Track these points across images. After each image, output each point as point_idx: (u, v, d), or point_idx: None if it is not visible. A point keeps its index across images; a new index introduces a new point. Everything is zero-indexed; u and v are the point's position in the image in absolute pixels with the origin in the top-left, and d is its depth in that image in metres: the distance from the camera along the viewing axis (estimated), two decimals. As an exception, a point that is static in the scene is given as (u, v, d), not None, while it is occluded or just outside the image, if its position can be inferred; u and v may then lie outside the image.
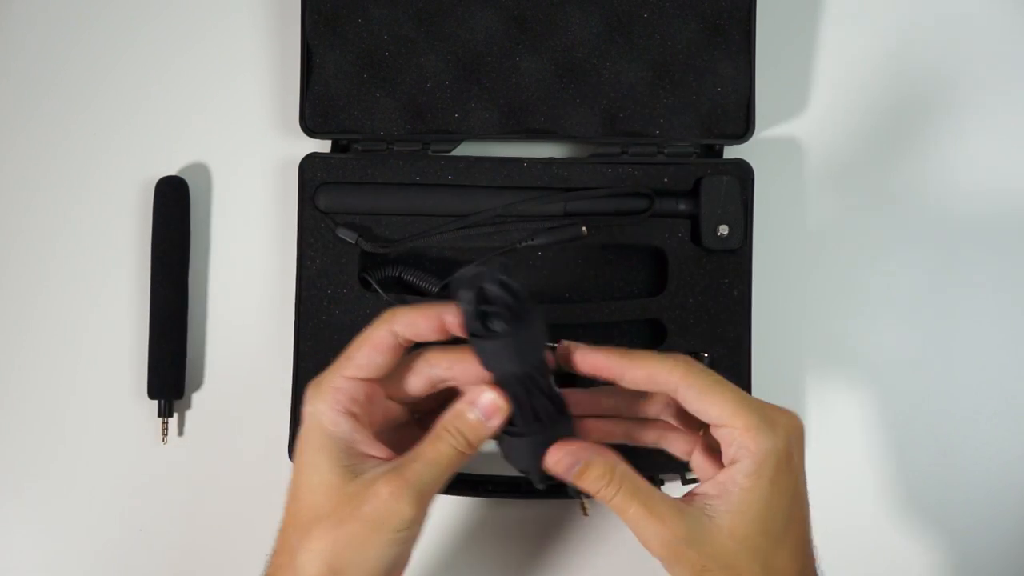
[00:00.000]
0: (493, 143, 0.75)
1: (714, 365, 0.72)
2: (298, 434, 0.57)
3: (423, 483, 0.55)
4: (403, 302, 0.72)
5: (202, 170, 0.77)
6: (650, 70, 0.73)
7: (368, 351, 0.57)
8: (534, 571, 0.75)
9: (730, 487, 0.56)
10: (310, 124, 0.73)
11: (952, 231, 0.76)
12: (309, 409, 0.57)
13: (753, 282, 0.73)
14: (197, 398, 0.76)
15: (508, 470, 0.72)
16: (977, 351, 0.75)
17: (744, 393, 0.57)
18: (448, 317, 0.57)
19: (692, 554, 0.55)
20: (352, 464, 0.56)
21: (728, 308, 0.72)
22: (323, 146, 0.74)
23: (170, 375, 0.74)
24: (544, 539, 0.74)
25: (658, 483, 0.72)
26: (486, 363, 0.55)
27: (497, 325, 0.53)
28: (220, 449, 0.75)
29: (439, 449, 0.56)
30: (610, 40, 0.73)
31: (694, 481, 0.72)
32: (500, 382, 0.56)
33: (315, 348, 0.72)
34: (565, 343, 0.59)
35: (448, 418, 0.56)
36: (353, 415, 0.57)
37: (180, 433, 0.76)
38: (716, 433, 0.57)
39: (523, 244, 0.72)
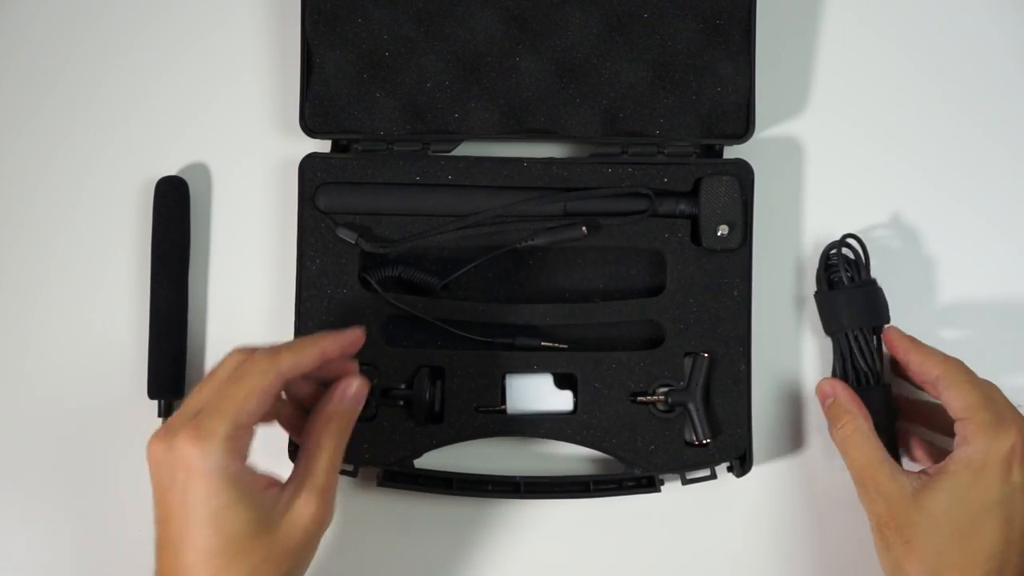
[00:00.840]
0: (493, 143, 0.75)
1: (714, 365, 0.72)
2: (193, 491, 0.55)
3: (332, 486, 0.59)
4: (402, 301, 0.72)
5: (202, 170, 0.77)
6: (650, 70, 0.73)
7: (260, 401, 0.57)
8: (535, 570, 0.75)
9: (942, 470, 0.62)
10: (310, 124, 0.73)
11: (948, 239, 0.76)
12: (208, 464, 0.55)
13: (753, 282, 0.73)
14: (197, 398, 0.76)
15: (509, 470, 0.73)
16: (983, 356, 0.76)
17: (997, 394, 0.64)
18: (327, 343, 0.61)
19: (882, 504, 0.63)
20: (261, 499, 0.57)
21: (728, 308, 0.72)
22: (323, 146, 0.74)
23: (170, 375, 0.74)
24: (545, 539, 0.74)
25: (658, 483, 0.72)
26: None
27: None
28: (220, 449, 0.75)
29: (332, 450, 0.60)
30: (610, 40, 0.73)
31: (694, 481, 0.72)
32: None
33: (315, 348, 0.72)
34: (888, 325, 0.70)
35: (333, 420, 0.61)
36: (241, 456, 0.57)
37: (180, 433, 0.75)
38: (956, 427, 0.64)
39: (523, 244, 0.72)
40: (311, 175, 0.73)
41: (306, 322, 0.72)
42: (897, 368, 0.72)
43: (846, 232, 0.73)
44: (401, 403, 0.72)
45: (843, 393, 0.68)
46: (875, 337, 0.72)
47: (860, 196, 0.77)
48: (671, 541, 0.74)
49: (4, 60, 0.77)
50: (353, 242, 0.72)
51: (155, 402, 0.74)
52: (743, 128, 0.73)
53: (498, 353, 0.72)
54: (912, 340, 0.69)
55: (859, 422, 0.67)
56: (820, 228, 0.76)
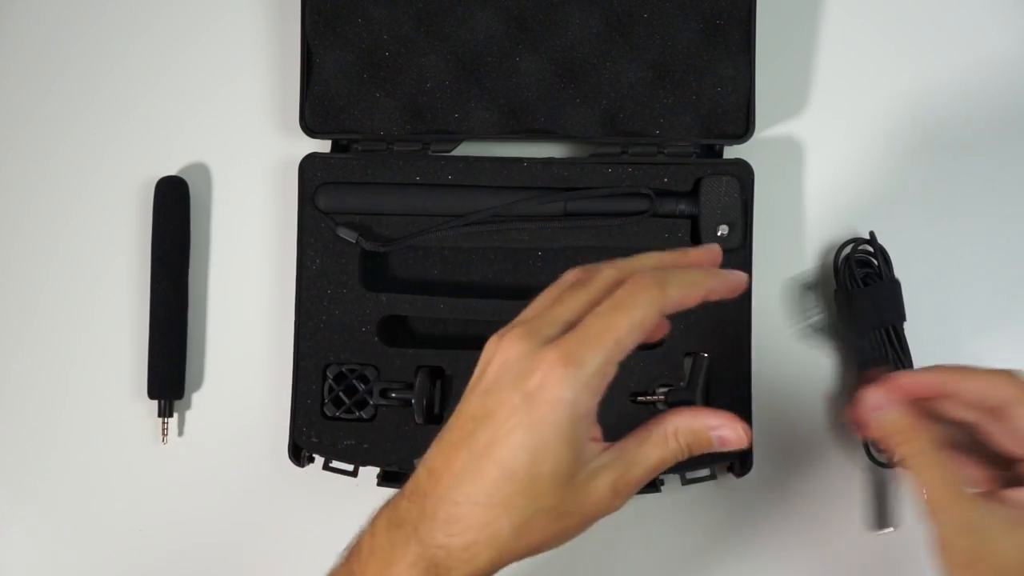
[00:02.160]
0: (493, 143, 0.75)
1: (714, 365, 0.72)
2: (536, 409, 0.49)
3: (638, 484, 0.53)
4: (402, 301, 0.72)
5: (202, 170, 0.77)
6: (650, 70, 0.73)
7: (639, 336, 0.51)
8: (535, 570, 0.75)
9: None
10: (310, 124, 0.73)
11: (954, 230, 0.76)
12: (567, 395, 0.49)
13: (753, 282, 0.73)
14: (197, 398, 0.76)
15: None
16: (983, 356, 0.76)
17: None
18: (714, 284, 0.54)
19: (967, 543, 0.53)
20: (583, 450, 0.51)
21: (728, 308, 0.72)
22: (323, 146, 0.74)
23: (170, 375, 0.74)
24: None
25: (658, 483, 0.72)
26: None
27: None
28: (220, 449, 0.75)
29: (663, 456, 0.53)
30: (610, 40, 0.73)
31: (694, 481, 0.72)
32: None
33: (315, 348, 0.72)
34: (889, 375, 0.59)
35: (684, 429, 0.53)
36: (600, 395, 0.51)
37: (180, 433, 0.75)
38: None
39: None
40: (311, 175, 0.73)
41: (306, 322, 0.72)
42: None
43: (867, 231, 0.74)
44: (401, 403, 0.71)
45: (892, 414, 0.57)
46: (897, 335, 0.72)
47: (860, 196, 0.77)
48: (671, 541, 0.74)
49: (4, 60, 0.77)
50: (353, 241, 0.72)
51: (155, 402, 0.74)
52: (743, 128, 0.73)
53: (498, 353, 0.72)
54: (958, 367, 0.59)
55: (915, 445, 0.56)
56: (820, 228, 0.76)
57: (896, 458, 0.58)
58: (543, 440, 0.49)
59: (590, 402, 0.50)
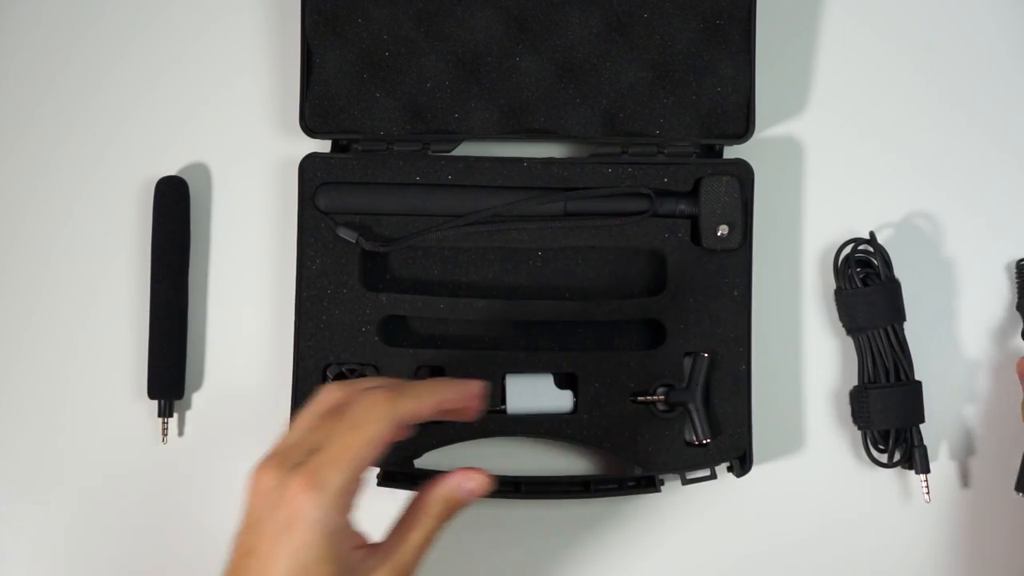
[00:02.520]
0: (493, 143, 0.75)
1: (714, 365, 0.72)
2: (292, 536, 0.53)
3: (415, 566, 0.57)
4: (402, 301, 0.72)
5: (202, 170, 0.77)
6: (650, 70, 0.73)
7: (376, 451, 0.55)
8: (535, 570, 0.75)
9: None
10: (310, 124, 0.73)
11: (953, 230, 0.77)
12: (317, 516, 0.53)
13: (753, 282, 0.73)
14: (197, 398, 0.76)
15: (509, 470, 0.73)
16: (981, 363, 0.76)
17: None
18: (449, 394, 0.59)
19: None
20: (348, 561, 0.54)
21: (728, 308, 0.72)
22: (323, 146, 0.74)
23: (170, 375, 0.74)
24: (545, 539, 0.74)
25: (658, 483, 0.72)
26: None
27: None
28: (220, 449, 0.75)
29: (426, 535, 0.57)
30: (610, 40, 0.73)
31: (694, 481, 0.72)
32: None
33: (315, 348, 0.72)
34: None
35: (433, 501, 0.58)
36: (349, 513, 0.55)
37: (180, 433, 0.75)
38: None
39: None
40: (311, 175, 0.73)
41: (306, 322, 0.72)
42: None
43: (867, 231, 0.74)
44: (401, 403, 0.72)
45: None
46: (897, 335, 0.72)
47: (860, 196, 0.77)
48: (671, 541, 0.74)
49: (4, 60, 0.77)
50: (353, 241, 0.72)
51: (155, 402, 0.74)
52: (743, 128, 0.73)
53: (498, 353, 0.72)
54: None
55: None
56: (820, 228, 0.76)
57: None
58: (305, 564, 0.52)
59: (340, 518, 0.54)
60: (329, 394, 0.59)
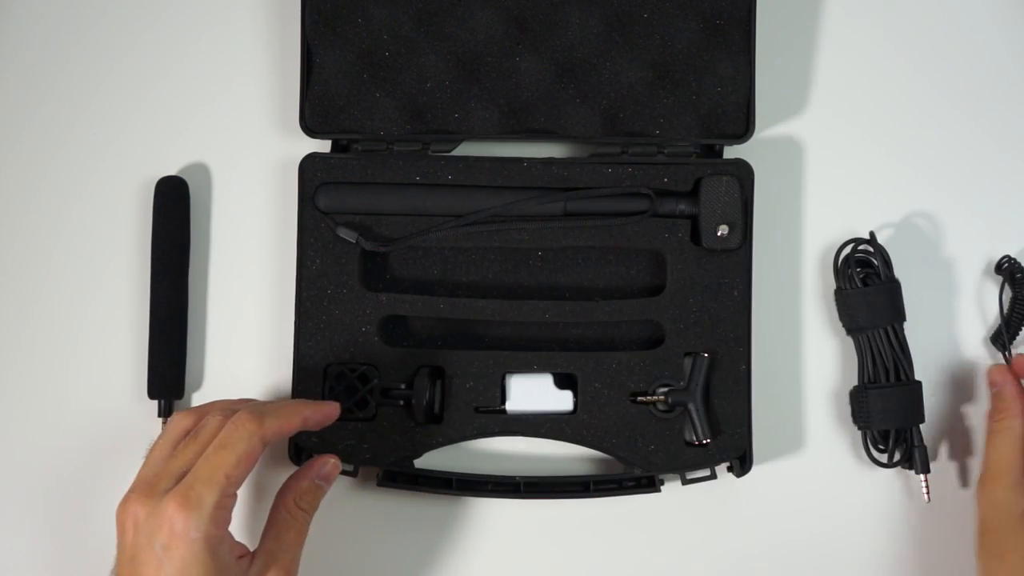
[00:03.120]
0: (493, 143, 0.75)
1: (714, 365, 0.72)
2: (175, 557, 0.56)
3: (295, 565, 0.62)
4: (402, 301, 0.72)
5: (202, 170, 0.77)
6: (650, 70, 0.73)
7: (246, 467, 0.59)
8: (535, 570, 0.75)
9: None
10: (310, 124, 0.73)
11: (953, 230, 0.77)
12: (196, 535, 0.56)
13: (753, 282, 0.73)
14: (197, 398, 0.76)
15: (509, 470, 0.73)
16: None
17: None
18: (309, 413, 0.64)
19: (990, 511, 0.64)
20: (232, 571, 0.58)
21: (728, 308, 0.72)
22: (323, 146, 0.74)
23: (170, 375, 0.74)
24: (545, 539, 0.74)
25: (658, 483, 0.72)
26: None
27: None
28: (220, 449, 0.75)
29: (300, 529, 0.62)
30: (610, 40, 0.73)
31: (694, 481, 0.72)
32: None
33: (315, 348, 0.72)
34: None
35: (297, 495, 0.63)
36: (225, 525, 0.58)
37: (180, 433, 0.75)
38: None
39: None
40: (311, 175, 0.73)
41: (306, 322, 0.72)
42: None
43: (867, 231, 0.74)
44: (401, 403, 0.72)
45: (1010, 389, 0.69)
46: (897, 335, 0.72)
47: (860, 196, 0.77)
48: (671, 541, 0.74)
49: (4, 60, 0.77)
50: (353, 241, 0.72)
51: (155, 402, 0.74)
52: (743, 128, 0.73)
53: (498, 353, 0.72)
54: None
55: (1012, 423, 0.67)
56: (820, 228, 0.76)
57: (988, 428, 0.69)
58: None
59: (219, 532, 0.57)
60: (177, 423, 0.63)
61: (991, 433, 0.68)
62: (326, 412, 0.67)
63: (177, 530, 0.56)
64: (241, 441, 0.59)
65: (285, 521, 0.63)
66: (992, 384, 0.71)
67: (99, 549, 0.74)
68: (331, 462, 0.66)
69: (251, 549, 0.63)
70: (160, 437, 0.64)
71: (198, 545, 0.56)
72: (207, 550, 0.56)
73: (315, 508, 0.65)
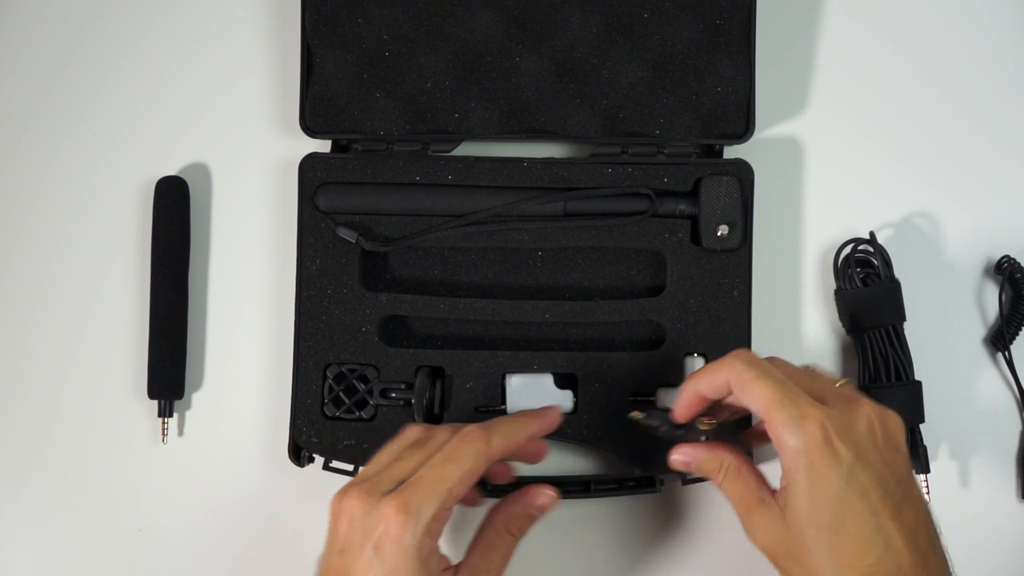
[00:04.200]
0: (493, 143, 0.75)
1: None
2: (386, 559, 0.56)
3: None
4: (402, 301, 0.72)
5: (202, 170, 0.77)
6: (650, 70, 0.73)
7: (469, 483, 0.58)
8: (535, 570, 0.75)
9: (784, 483, 0.59)
10: (310, 124, 0.73)
11: (953, 230, 0.77)
12: (411, 542, 0.56)
13: (753, 282, 0.73)
14: (197, 398, 0.76)
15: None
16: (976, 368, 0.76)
17: (788, 385, 0.59)
18: (535, 427, 0.63)
19: (764, 538, 0.60)
20: None
21: (728, 308, 0.72)
22: (323, 146, 0.74)
23: (170, 375, 0.74)
24: (545, 539, 0.74)
25: (658, 483, 0.72)
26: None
27: None
28: (220, 449, 0.75)
29: (506, 552, 0.61)
30: (610, 40, 0.73)
31: (694, 481, 0.72)
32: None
33: (315, 348, 0.72)
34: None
35: (510, 519, 0.62)
36: (437, 542, 0.58)
37: (180, 433, 0.75)
38: (767, 429, 0.59)
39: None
40: (311, 175, 0.73)
41: (306, 322, 0.72)
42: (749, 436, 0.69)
43: (867, 231, 0.74)
44: (401, 403, 0.72)
45: (696, 454, 0.64)
46: (897, 335, 0.73)
47: (860, 196, 0.77)
48: (671, 541, 0.74)
49: (4, 60, 0.77)
50: (353, 241, 0.72)
51: (155, 402, 0.74)
52: (743, 128, 0.73)
53: (498, 353, 0.72)
54: (691, 378, 0.63)
55: (726, 462, 0.62)
56: (820, 228, 0.76)
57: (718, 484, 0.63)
58: None
59: (432, 543, 0.57)
60: (412, 431, 0.63)
61: (721, 488, 0.63)
62: (550, 421, 0.66)
63: (392, 533, 0.56)
64: (468, 457, 0.59)
65: (492, 542, 0.62)
66: (687, 468, 0.65)
67: (98, 548, 0.75)
68: (549, 495, 0.64)
69: (452, 563, 0.62)
70: (391, 442, 0.63)
71: (411, 552, 0.56)
72: (418, 558, 0.56)
73: (524, 533, 0.64)
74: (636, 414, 0.67)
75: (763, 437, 0.64)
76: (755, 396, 0.59)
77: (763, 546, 0.61)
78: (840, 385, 0.62)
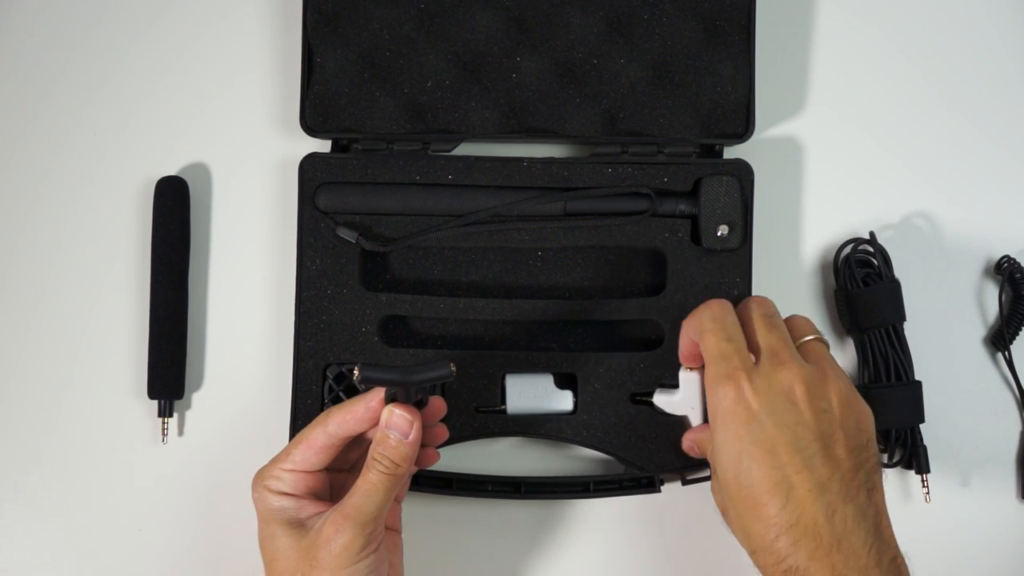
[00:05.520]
0: (493, 143, 0.75)
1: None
2: (258, 532, 0.64)
3: (364, 512, 0.61)
4: (402, 301, 0.72)
5: (202, 170, 0.77)
6: (650, 70, 0.73)
7: (303, 449, 0.64)
8: (535, 570, 0.75)
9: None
10: (310, 123, 0.73)
11: (953, 230, 0.77)
12: (254, 495, 0.64)
13: (753, 282, 0.73)
14: (197, 398, 0.76)
15: (509, 470, 0.73)
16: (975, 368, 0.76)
17: (730, 343, 0.64)
18: (373, 403, 0.63)
19: (716, 501, 0.66)
20: (302, 522, 0.63)
21: (728, 308, 0.72)
22: (323, 146, 0.74)
23: (170, 375, 0.74)
24: (545, 539, 0.74)
25: (658, 483, 0.71)
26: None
27: None
28: (220, 449, 0.75)
29: (370, 480, 0.62)
30: (610, 40, 0.73)
31: (694, 481, 0.72)
32: None
33: (315, 348, 0.72)
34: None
35: (372, 449, 0.62)
36: (292, 495, 0.63)
37: (180, 433, 0.75)
38: None
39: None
40: (311, 175, 0.73)
41: (306, 322, 0.72)
42: None
43: (867, 231, 0.74)
44: (401, 403, 0.72)
45: (692, 435, 0.70)
46: (897, 335, 0.73)
47: (860, 195, 0.77)
48: (671, 541, 0.74)
49: (4, 60, 0.77)
50: (353, 241, 0.72)
51: (155, 402, 0.74)
52: (743, 128, 0.73)
53: (498, 353, 0.72)
54: (685, 320, 0.68)
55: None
56: (820, 227, 0.76)
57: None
58: (262, 531, 0.64)
59: (275, 498, 0.63)
60: None
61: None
62: (376, 396, 0.64)
63: (256, 505, 0.64)
64: (304, 430, 0.64)
65: (363, 469, 0.63)
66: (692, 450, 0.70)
67: (98, 548, 0.74)
68: (399, 414, 0.62)
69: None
70: None
71: (260, 503, 0.64)
72: (266, 507, 0.63)
73: (392, 460, 0.62)
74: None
75: None
76: (703, 349, 0.65)
77: (717, 505, 0.66)
78: (810, 340, 0.66)
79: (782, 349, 0.64)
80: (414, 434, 0.62)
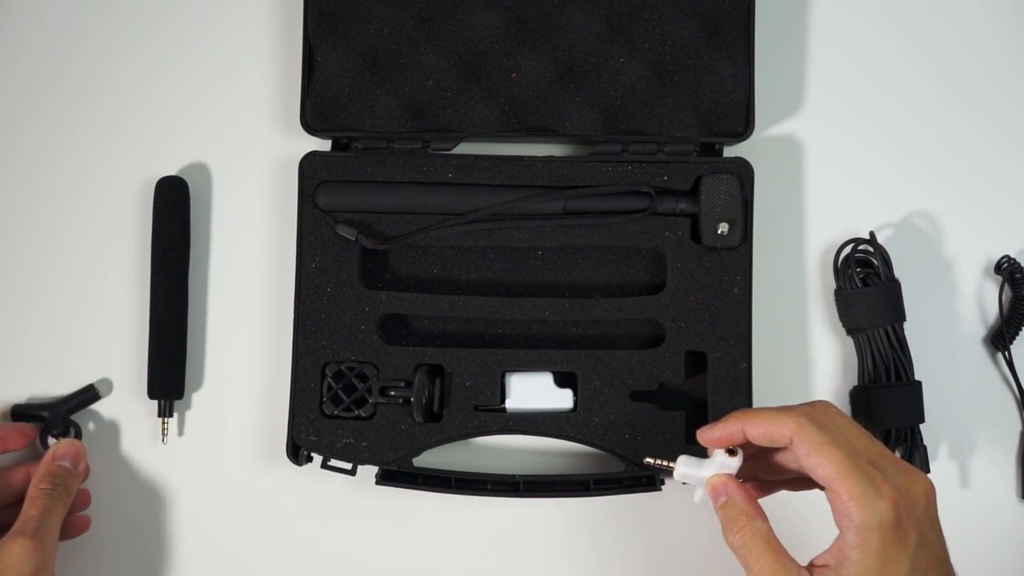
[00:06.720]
0: (493, 142, 0.75)
1: (715, 365, 0.72)
2: None
3: (37, 529, 0.66)
4: (401, 299, 0.72)
5: (202, 170, 0.77)
6: (650, 69, 0.73)
7: None
8: (535, 570, 0.74)
9: (841, 559, 0.56)
10: (311, 122, 0.73)
11: (953, 230, 0.77)
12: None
13: (753, 281, 0.73)
14: (197, 398, 0.76)
15: (508, 468, 0.73)
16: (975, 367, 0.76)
17: (859, 455, 0.57)
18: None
19: None
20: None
21: (728, 307, 0.72)
22: (323, 144, 0.75)
23: (170, 375, 0.74)
24: (545, 538, 0.74)
25: (658, 483, 0.71)
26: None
27: None
28: (220, 449, 0.75)
29: (40, 504, 0.67)
30: (610, 40, 0.73)
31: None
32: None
33: (314, 346, 0.72)
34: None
35: (37, 478, 0.69)
36: None
37: (180, 433, 0.75)
38: (827, 495, 0.57)
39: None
40: (311, 173, 0.73)
41: (306, 320, 0.72)
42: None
43: (867, 231, 0.74)
44: (400, 401, 0.71)
45: (738, 493, 0.61)
46: (897, 335, 0.73)
47: (860, 194, 0.77)
48: (671, 540, 0.74)
49: (5, 60, 0.78)
50: (353, 239, 0.72)
51: (155, 402, 0.74)
52: (743, 126, 0.73)
53: (498, 351, 0.72)
54: (740, 416, 0.61)
55: (757, 525, 0.59)
56: (820, 226, 0.76)
57: (731, 545, 0.60)
58: None
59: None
60: None
61: (744, 547, 0.59)
62: (14, 431, 0.72)
63: None
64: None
65: (28, 498, 0.68)
66: (718, 494, 0.62)
67: (98, 548, 0.74)
68: (67, 444, 0.71)
69: None
70: None
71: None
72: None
73: (64, 487, 0.69)
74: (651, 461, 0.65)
75: (800, 486, 0.63)
76: (822, 462, 0.57)
77: None
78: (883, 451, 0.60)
79: (897, 458, 0.60)
80: (82, 463, 0.71)
